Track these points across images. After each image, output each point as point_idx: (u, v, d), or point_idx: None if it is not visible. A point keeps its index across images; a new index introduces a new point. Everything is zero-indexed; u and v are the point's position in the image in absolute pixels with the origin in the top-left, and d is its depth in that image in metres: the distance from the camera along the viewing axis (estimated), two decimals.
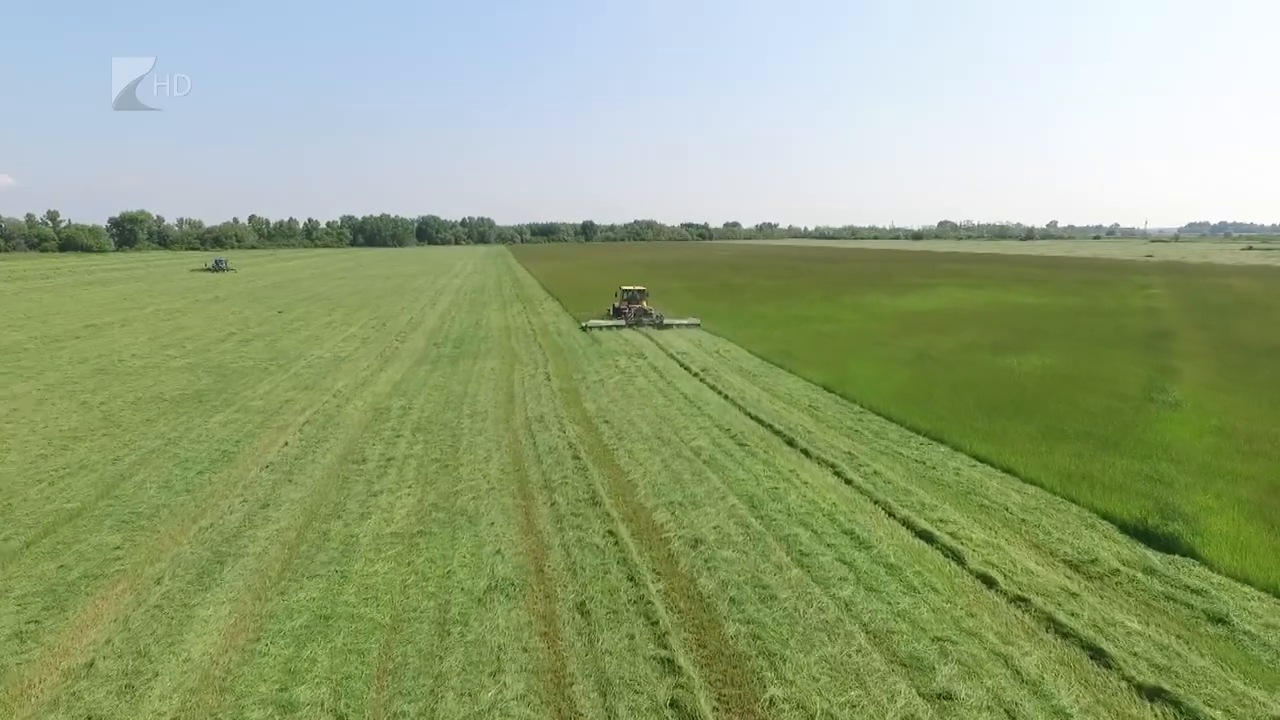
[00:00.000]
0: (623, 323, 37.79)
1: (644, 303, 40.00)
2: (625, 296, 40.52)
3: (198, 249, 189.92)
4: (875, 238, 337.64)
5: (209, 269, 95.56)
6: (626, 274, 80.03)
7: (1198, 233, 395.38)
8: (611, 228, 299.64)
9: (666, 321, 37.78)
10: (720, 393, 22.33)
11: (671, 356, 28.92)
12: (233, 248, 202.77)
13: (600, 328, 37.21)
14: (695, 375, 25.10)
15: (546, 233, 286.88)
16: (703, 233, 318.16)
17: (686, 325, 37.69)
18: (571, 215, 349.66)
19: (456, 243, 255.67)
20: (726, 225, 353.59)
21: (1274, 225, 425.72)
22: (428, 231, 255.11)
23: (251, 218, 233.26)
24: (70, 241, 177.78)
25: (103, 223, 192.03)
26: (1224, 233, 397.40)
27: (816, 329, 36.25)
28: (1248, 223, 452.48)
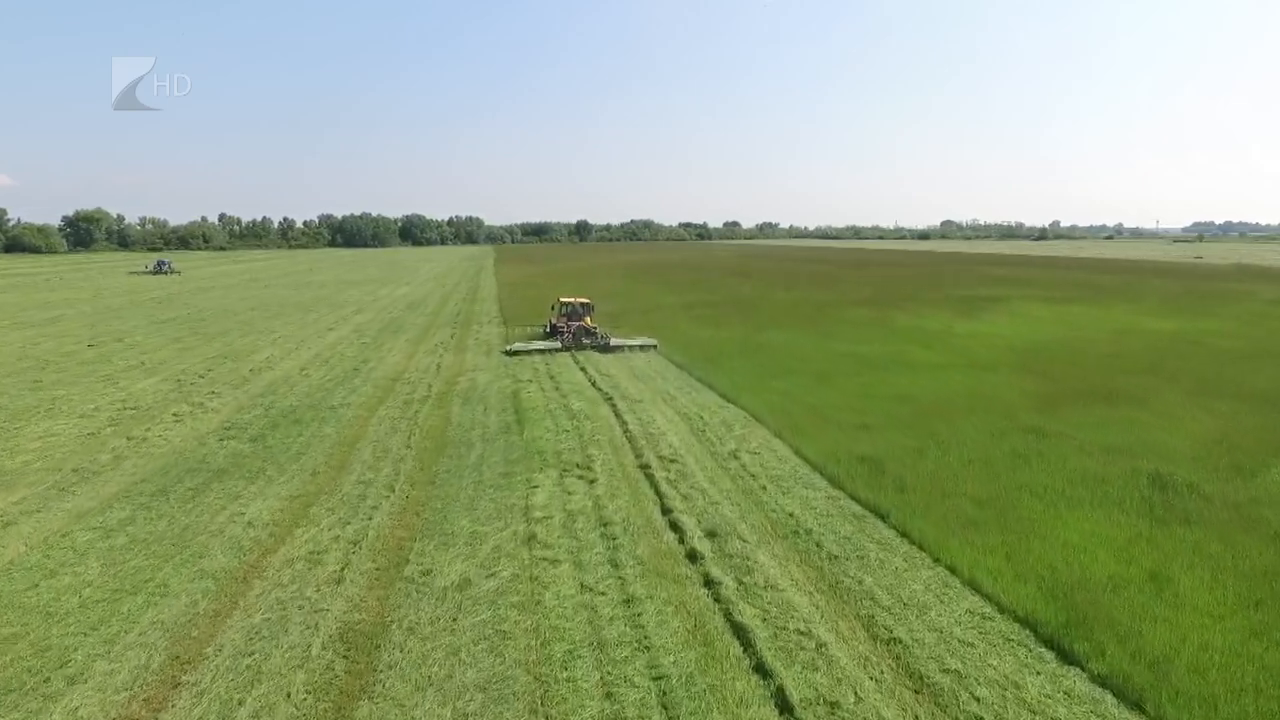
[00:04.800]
0: (559, 345, 29.63)
1: (588, 319, 31.71)
2: (564, 311, 32.23)
3: (160, 249, 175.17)
4: (880, 238, 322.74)
5: (150, 271, 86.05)
6: (610, 281, 65.75)
7: (1206, 232, 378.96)
8: (607, 227, 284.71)
9: (614, 343, 29.68)
10: (770, 679, 7.99)
11: (644, 471, 14.57)
12: (199, 248, 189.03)
13: (529, 352, 28.96)
14: (694, 559, 10.76)
15: (539, 232, 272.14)
16: (701, 232, 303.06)
17: (639, 346, 29.78)
18: (567, 214, 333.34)
19: (442, 243, 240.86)
20: (726, 225, 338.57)
21: None
22: (412, 231, 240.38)
23: (222, 216, 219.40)
24: (17, 242, 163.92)
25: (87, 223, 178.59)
26: (1237, 233, 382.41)
27: (890, 384, 21.95)
28: (1253, 223, 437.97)
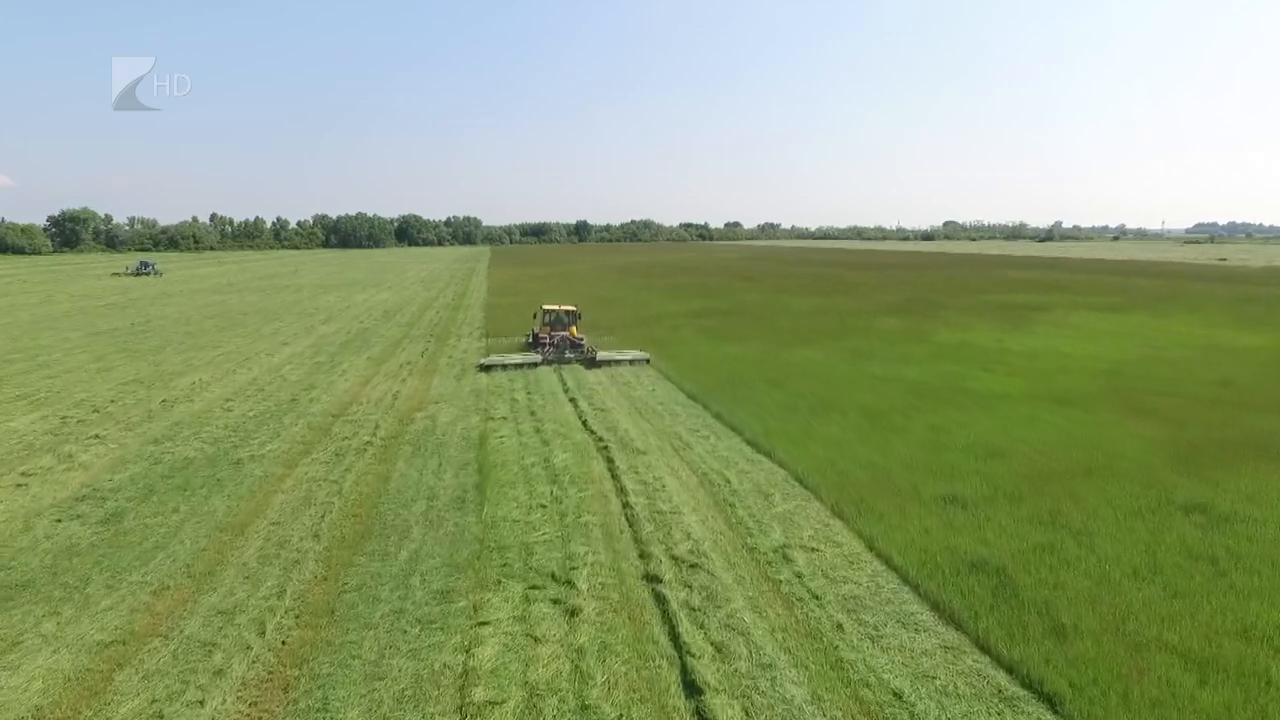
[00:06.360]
0: (540, 358, 26.31)
1: (573, 329, 28.52)
2: (547, 319, 29.16)
3: (149, 250, 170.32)
4: (882, 238, 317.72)
5: (132, 273, 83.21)
6: (609, 285, 60.89)
7: (1211, 233, 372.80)
8: (607, 228, 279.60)
9: (601, 357, 26.50)
10: None
11: (652, 587, 9.66)
12: (189, 249, 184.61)
13: (506, 366, 25.46)
14: None
15: (537, 233, 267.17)
16: (703, 233, 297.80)
17: (628, 361, 26.37)
18: (566, 214, 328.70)
19: (440, 244, 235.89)
20: (727, 225, 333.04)
21: None
22: (408, 232, 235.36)
23: (214, 216, 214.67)
24: (0, 242, 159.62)
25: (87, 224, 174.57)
26: (1243, 233, 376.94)
27: (965, 427, 17.03)
28: (1256, 223, 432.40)
